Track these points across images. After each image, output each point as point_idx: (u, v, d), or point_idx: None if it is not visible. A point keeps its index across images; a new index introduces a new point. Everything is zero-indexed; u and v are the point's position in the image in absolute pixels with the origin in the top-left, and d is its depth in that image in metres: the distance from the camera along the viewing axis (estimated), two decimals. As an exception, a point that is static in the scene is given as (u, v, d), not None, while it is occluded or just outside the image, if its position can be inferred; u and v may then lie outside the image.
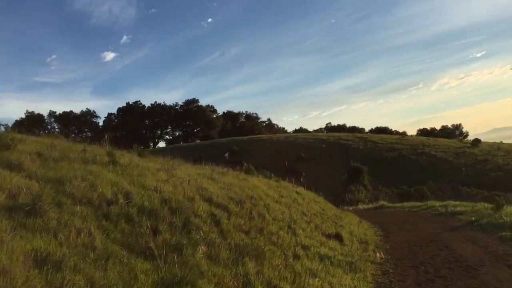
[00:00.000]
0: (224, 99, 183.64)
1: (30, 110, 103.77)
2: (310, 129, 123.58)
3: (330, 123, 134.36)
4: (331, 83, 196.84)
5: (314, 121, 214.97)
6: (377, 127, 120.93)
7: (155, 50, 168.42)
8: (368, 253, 9.34)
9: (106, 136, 9.17)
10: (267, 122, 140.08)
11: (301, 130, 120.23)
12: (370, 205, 26.30)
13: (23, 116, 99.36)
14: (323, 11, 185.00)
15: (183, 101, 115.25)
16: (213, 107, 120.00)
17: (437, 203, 19.53)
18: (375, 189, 37.41)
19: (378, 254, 9.10)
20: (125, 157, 7.97)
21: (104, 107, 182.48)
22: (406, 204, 23.38)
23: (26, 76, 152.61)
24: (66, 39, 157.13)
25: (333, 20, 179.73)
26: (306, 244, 7.69)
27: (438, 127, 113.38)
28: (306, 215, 10.70)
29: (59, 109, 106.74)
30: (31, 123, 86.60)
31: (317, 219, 11.14)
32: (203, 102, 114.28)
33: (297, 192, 13.69)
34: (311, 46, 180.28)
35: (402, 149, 57.14)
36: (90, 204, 4.81)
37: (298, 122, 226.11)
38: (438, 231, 12.33)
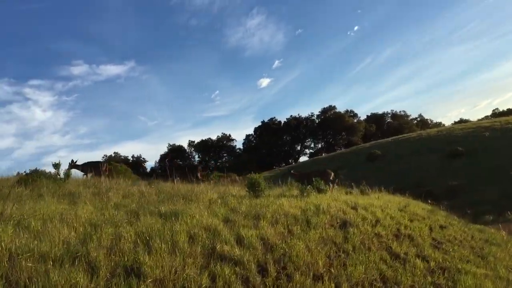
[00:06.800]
0: (383, 103, 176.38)
1: (171, 143, 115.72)
2: (475, 120, 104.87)
3: (497, 108, 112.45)
4: (500, 67, 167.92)
5: (484, 112, 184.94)
6: None
7: (306, 68, 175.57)
8: None
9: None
10: (418, 119, 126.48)
11: (460, 122, 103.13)
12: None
13: (166, 150, 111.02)
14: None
15: (319, 110, 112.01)
16: (353, 112, 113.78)
17: None
18: None
19: None
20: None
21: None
22: None
23: (197, 114, 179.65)
24: (225, 74, 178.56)
25: (491, 0, 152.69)
26: None
27: None
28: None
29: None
30: (174, 154, 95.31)
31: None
32: (360, 110, 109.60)
33: (372, 215, 7.70)
34: (471, 31, 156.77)
35: None
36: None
37: (464, 115, 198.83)
38: None
